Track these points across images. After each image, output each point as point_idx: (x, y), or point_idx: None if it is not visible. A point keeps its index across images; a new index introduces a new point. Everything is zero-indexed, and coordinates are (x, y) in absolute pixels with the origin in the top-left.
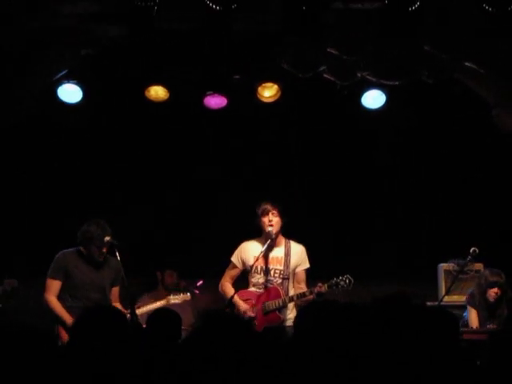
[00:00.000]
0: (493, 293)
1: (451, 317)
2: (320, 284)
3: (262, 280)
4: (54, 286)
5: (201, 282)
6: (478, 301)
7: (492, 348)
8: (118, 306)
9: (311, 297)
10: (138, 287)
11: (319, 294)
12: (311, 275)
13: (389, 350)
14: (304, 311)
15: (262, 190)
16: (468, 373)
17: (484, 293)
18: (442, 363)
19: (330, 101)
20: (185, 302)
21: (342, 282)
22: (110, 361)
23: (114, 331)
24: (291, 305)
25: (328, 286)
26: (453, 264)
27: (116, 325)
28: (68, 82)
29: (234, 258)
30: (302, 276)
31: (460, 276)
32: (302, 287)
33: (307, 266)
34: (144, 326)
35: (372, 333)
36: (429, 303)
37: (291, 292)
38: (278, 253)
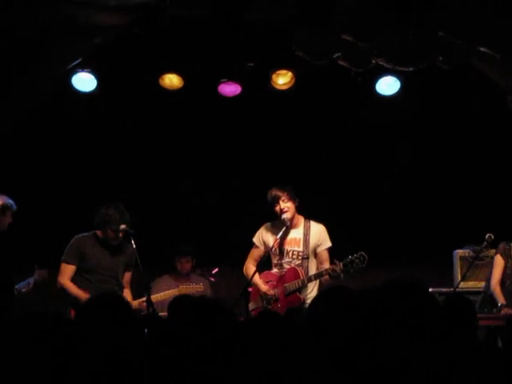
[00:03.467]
0: None
1: (468, 302)
2: (336, 261)
3: (282, 261)
4: (68, 271)
5: (216, 270)
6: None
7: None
8: (128, 292)
9: (327, 276)
10: (153, 275)
11: (334, 271)
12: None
13: (403, 337)
14: (317, 299)
15: (276, 177)
16: (486, 359)
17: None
18: (459, 349)
19: (344, 88)
20: (198, 292)
21: (356, 260)
22: (114, 350)
23: (118, 319)
24: (311, 284)
25: (343, 265)
26: (468, 250)
27: (120, 313)
28: (82, 71)
29: (256, 239)
30: (325, 255)
31: (475, 262)
32: (325, 266)
33: (329, 244)
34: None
35: (386, 319)
36: (444, 289)
37: (312, 272)
38: (295, 234)
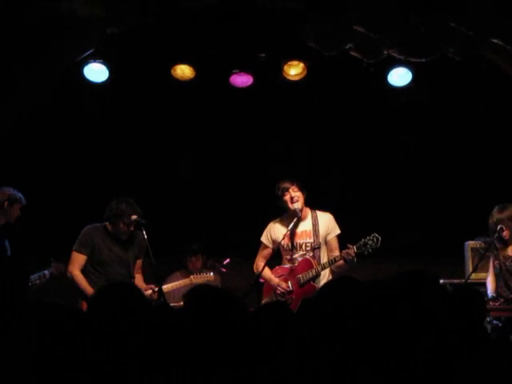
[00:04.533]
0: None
1: (478, 294)
2: (349, 245)
3: (294, 256)
4: (79, 260)
5: (227, 260)
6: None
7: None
8: (140, 277)
9: (341, 262)
10: (165, 266)
11: (348, 255)
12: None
13: (413, 328)
14: (325, 289)
15: (288, 167)
16: (496, 351)
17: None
18: (469, 341)
19: (356, 79)
20: (208, 281)
21: (369, 242)
22: (126, 337)
23: (131, 308)
24: (325, 273)
25: (357, 248)
26: (480, 242)
27: (133, 301)
28: (94, 61)
29: (264, 238)
30: (335, 243)
31: (487, 254)
32: (336, 254)
33: (337, 232)
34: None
35: (396, 311)
36: (456, 281)
37: (324, 260)
38: (305, 226)
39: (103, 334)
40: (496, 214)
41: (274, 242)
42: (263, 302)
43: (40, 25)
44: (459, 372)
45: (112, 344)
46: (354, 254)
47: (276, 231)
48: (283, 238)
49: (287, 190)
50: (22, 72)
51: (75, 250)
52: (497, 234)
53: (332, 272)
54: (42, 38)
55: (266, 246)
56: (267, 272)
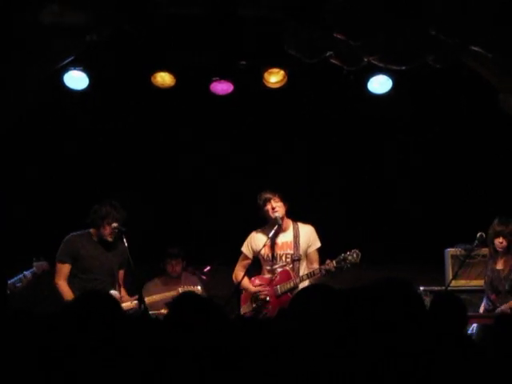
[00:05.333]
0: (498, 242)
1: (459, 301)
2: (328, 261)
3: (274, 266)
4: (63, 270)
5: (208, 268)
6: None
7: (498, 332)
8: (123, 290)
9: (320, 275)
10: (145, 274)
11: (328, 271)
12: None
13: (389, 336)
14: (298, 296)
15: (268, 177)
16: (475, 357)
17: (492, 242)
18: (449, 348)
19: (336, 86)
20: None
21: (349, 257)
22: (103, 349)
23: (106, 317)
24: (303, 284)
25: (336, 262)
26: (460, 249)
27: (108, 311)
28: (74, 69)
29: (245, 249)
30: (315, 256)
31: (467, 261)
32: (315, 267)
33: (318, 245)
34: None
35: (372, 317)
36: (436, 288)
37: (302, 272)
38: (286, 237)
39: (77, 342)
40: (497, 226)
41: (254, 251)
42: (241, 309)
43: (20, 33)
44: (438, 379)
45: (85, 352)
46: (333, 270)
47: (257, 241)
48: (263, 248)
49: (269, 200)
50: (1, 81)
51: (58, 261)
52: (493, 245)
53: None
54: (21, 47)
55: (246, 257)
56: (246, 281)
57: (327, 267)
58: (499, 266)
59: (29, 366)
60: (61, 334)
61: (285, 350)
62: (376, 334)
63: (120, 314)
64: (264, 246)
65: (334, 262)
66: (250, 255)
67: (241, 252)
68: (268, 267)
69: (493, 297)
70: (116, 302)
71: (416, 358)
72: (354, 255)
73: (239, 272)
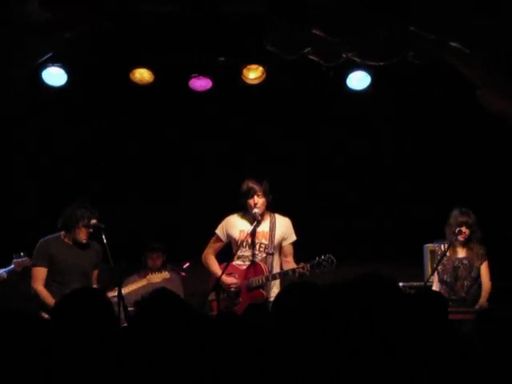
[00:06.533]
0: (462, 232)
1: (439, 296)
2: (302, 264)
3: (247, 253)
4: (40, 274)
5: (187, 265)
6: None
7: (480, 329)
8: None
9: (294, 277)
10: (124, 270)
11: (301, 275)
12: (307, 256)
13: (372, 331)
14: (282, 294)
15: (248, 172)
16: (457, 352)
17: (453, 232)
18: (431, 343)
19: (315, 82)
20: (165, 279)
21: (324, 263)
22: (92, 343)
23: (97, 313)
24: (275, 281)
25: (310, 267)
26: (438, 245)
27: (99, 306)
28: (52, 65)
29: (219, 231)
30: (290, 250)
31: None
32: (289, 260)
33: (294, 238)
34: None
35: (354, 314)
36: (415, 283)
37: (276, 267)
38: (263, 227)
39: (67, 341)
40: (459, 217)
41: (227, 235)
42: (209, 297)
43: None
44: (420, 374)
45: (78, 351)
46: (307, 274)
47: (232, 226)
48: (240, 235)
49: (253, 194)
50: None
51: (33, 266)
52: (455, 236)
53: (282, 281)
54: (1, 44)
55: (219, 239)
56: (216, 267)
57: (301, 271)
58: (460, 254)
59: (18, 365)
60: (51, 333)
61: (265, 348)
62: (358, 329)
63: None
64: (240, 232)
65: (308, 265)
66: (224, 239)
67: (214, 233)
68: (240, 253)
69: (458, 285)
70: (107, 299)
71: (399, 353)
72: (329, 261)
73: (209, 255)
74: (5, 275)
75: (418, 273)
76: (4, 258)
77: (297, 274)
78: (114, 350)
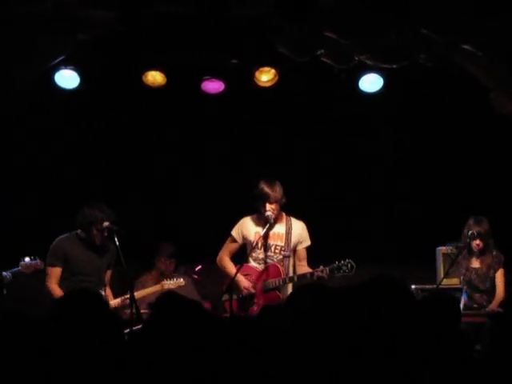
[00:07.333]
0: (475, 244)
1: (451, 299)
2: (322, 267)
3: (262, 255)
4: (54, 273)
5: (199, 267)
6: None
7: (493, 331)
8: (108, 289)
9: (312, 280)
10: (136, 272)
11: (320, 278)
12: (313, 258)
13: (383, 333)
14: (296, 295)
15: (260, 174)
16: (468, 356)
17: (468, 243)
18: (442, 347)
19: (327, 85)
20: (180, 287)
21: (344, 267)
22: (91, 348)
23: (94, 314)
24: (291, 284)
25: (330, 270)
26: (451, 247)
27: (96, 307)
28: (65, 68)
29: (235, 232)
30: (304, 254)
31: (458, 259)
32: (304, 264)
33: (308, 243)
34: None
35: (365, 316)
36: (427, 286)
37: (291, 270)
38: (279, 229)
39: (67, 341)
40: (473, 227)
41: (243, 237)
42: (223, 296)
43: (11, 32)
44: (431, 376)
45: (72, 352)
46: (326, 278)
47: (248, 227)
48: (255, 236)
49: (267, 198)
50: None
51: (48, 265)
52: (469, 245)
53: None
54: (11, 46)
55: (235, 241)
56: (232, 268)
57: (320, 275)
58: (475, 264)
59: (19, 366)
60: (50, 334)
61: (278, 349)
62: (369, 331)
63: (108, 312)
64: (255, 233)
65: (327, 269)
66: (240, 240)
67: (230, 235)
68: (254, 255)
69: (477, 296)
70: (104, 300)
71: (410, 355)
72: (349, 266)
73: (225, 257)
74: (10, 277)
75: (423, 275)
76: (4, 258)
77: (315, 278)
78: (113, 350)
